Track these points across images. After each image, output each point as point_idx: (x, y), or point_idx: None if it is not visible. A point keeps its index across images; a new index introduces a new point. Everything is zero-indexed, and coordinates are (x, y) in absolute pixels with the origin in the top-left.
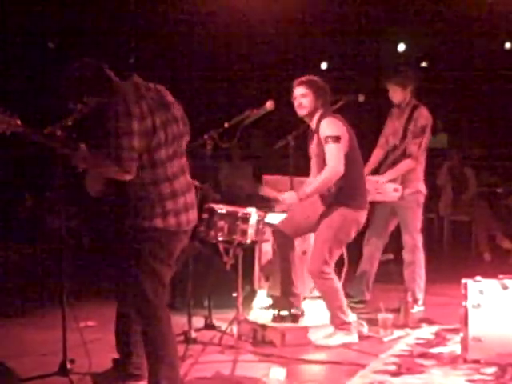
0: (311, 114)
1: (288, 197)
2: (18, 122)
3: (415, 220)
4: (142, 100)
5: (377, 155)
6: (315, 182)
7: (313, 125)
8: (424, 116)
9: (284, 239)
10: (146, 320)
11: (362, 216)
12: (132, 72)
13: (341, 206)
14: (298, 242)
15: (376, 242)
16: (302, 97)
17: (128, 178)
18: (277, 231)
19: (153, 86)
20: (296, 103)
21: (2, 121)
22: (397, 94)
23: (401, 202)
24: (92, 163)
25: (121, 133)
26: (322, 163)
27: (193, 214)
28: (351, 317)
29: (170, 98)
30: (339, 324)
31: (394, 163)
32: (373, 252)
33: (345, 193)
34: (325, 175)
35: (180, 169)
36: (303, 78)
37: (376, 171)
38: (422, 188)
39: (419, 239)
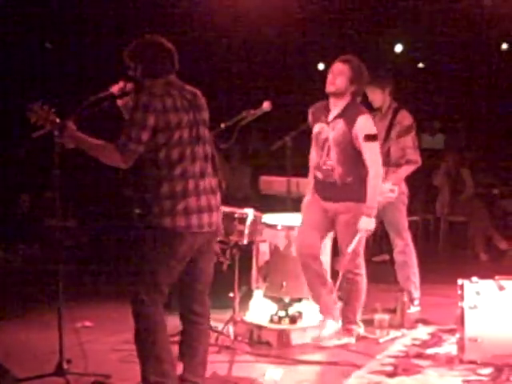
0: None
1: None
2: None
3: (403, 220)
4: (167, 96)
5: None
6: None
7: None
8: (407, 118)
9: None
10: (135, 317)
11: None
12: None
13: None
14: (295, 242)
15: None
16: None
17: (123, 166)
18: None
19: (190, 87)
20: None
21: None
22: (376, 97)
23: (389, 203)
24: (84, 144)
25: (133, 124)
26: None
27: (209, 218)
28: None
29: (203, 101)
30: (346, 323)
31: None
32: None
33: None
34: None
35: (202, 171)
36: None
37: None
38: (405, 188)
39: (408, 238)
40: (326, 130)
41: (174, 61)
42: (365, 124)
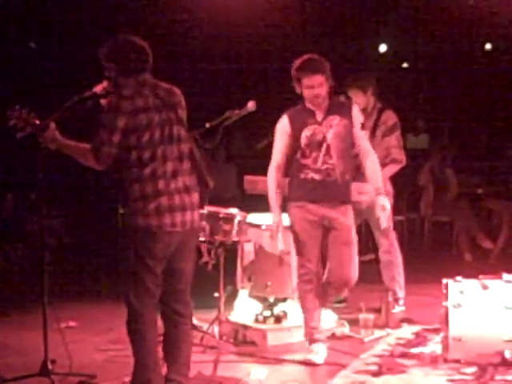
0: None
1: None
2: None
3: (388, 220)
4: (138, 96)
5: None
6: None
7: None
8: (391, 117)
9: None
10: (127, 318)
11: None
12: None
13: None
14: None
15: None
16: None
17: (99, 168)
18: None
19: (165, 85)
20: None
21: None
22: (359, 99)
23: (374, 203)
24: (63, 146)
25: (104, 127)
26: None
27: (182, 217)
28: None
29: (179, 99)
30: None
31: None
32: None
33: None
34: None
35: (175, 170)
36: None
37: None
38: (390, 188)
39: (394, 237)
40: (320, 129)
41: (148, 59)
42: (358, 113)
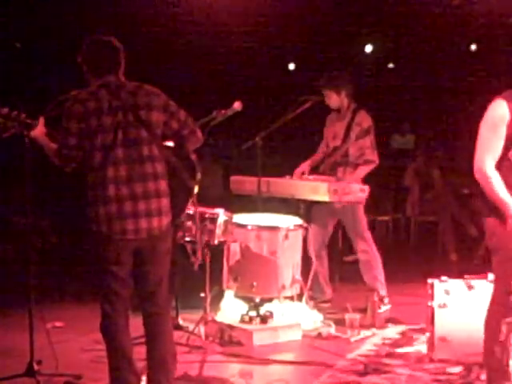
0: None
1: None
2: None
3: (363, 220)
4: (92, 99)
5: (316, 157)
6: None
7: None
8: (366, 119)
9: None
10: (100, 323)
11: None
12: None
13: None
14: (265, 242)
15: (319, 242)
16: None
17: (66, 170)
18: None
19: (133, 86)
20: None
21: None
22: (332, 100)
23: (347, 204)
24: (44, 145)
25: (61, 130)
26: None
27: (135, 224)
28: None
29: (147, 100)
30: None
31: (335, 165)
32: (318, 252)
33: None
34: None
35: (130, 174)
36: None
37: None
38: (364, 187)
39: (370, 237)
40: None
41: (119, 60)
42: None
